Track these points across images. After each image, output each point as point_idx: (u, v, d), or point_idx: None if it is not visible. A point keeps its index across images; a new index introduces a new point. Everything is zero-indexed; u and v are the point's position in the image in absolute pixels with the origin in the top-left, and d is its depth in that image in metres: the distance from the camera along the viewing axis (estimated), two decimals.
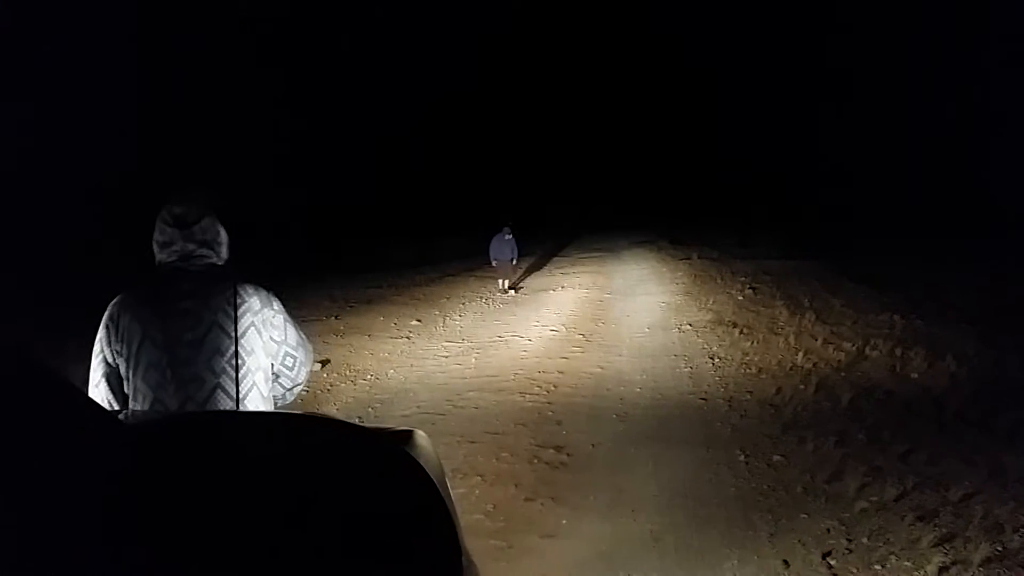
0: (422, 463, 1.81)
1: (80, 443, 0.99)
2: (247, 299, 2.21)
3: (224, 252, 2.35)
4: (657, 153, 37.64)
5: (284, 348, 2.28)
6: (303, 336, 2.37)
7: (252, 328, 2.20)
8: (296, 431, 1.21)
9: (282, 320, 2.28)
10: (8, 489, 0.82)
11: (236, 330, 2.16)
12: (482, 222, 17.18)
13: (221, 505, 0.95)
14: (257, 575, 0.87)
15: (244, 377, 2.18)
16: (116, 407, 2.20)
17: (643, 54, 41.41)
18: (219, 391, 2.13)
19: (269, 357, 2.25)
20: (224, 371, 2.12)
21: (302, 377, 2.37)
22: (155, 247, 2.26)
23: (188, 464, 1.02)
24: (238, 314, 2.18)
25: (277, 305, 2.28)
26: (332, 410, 6.62)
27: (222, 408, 2.09)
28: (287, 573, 0.87)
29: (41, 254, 12.98)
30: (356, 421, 6.27)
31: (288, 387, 2.36)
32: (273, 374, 2.30)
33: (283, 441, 1.14)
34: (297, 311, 10.94)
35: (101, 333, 2.20)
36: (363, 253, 18.22)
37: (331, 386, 7.34)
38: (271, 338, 2.25)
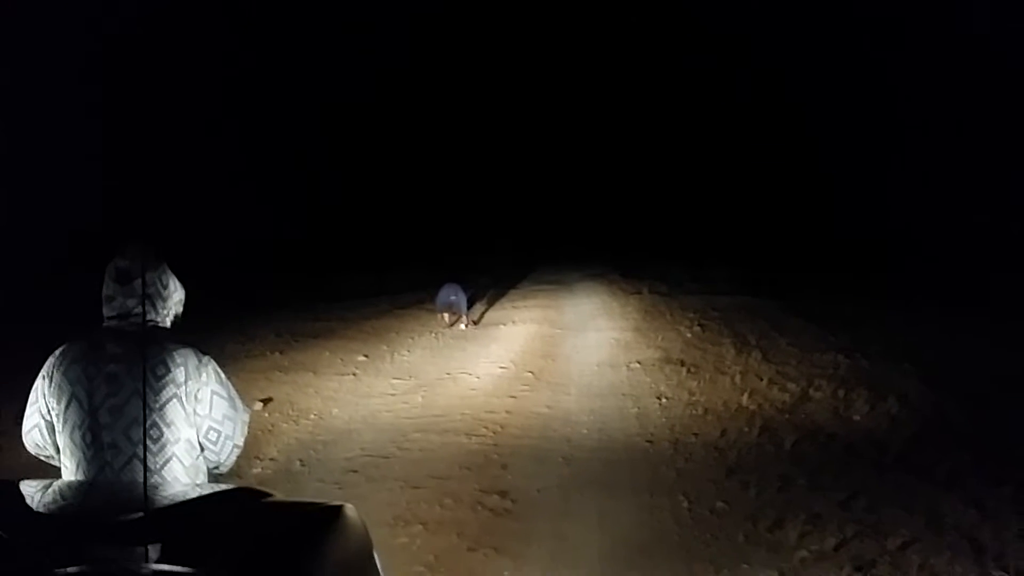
0: (352, 539, 1.77)
1: None
2: (172, 369, 2.18)
3: (172, 309, 2.35)
4: (607, 179, 37.92)
5: (208, 422, 2.24)
6: (237, 406, 2.33)
7: (174, 400, 2.18)
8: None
9: (208, 393, 2.24)
10: None
11: (157, 401, 2.14)
12: (434, 254, 17.02)
13: None
14: None
15: (162, 449, 2.18)
16: (50, 455, 2.28)
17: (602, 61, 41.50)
18: (135, 460, 2.12)
19: (193, 428, 2.23)
20: (141, 442, 2.11)
21: (226, 452, 2.32)
22: (103, 301, 2.26)
23: None
24: (159, 385, 2.15)
25: (207, 375, 2.24)
26: (273, 452, 6.46)
27: (137, 477, 2.09)
28: None
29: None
30: (297, 464, 6.14)
31: (213, 461, 2.34)
32: (199, 445, 2.27)
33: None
34: (241, 346, 10.71)
35: (39, 383, 2.22)
36: (311, 285, 17.92)
37: (272, 426, 7.16)
38: (195, 411, 2.22)
